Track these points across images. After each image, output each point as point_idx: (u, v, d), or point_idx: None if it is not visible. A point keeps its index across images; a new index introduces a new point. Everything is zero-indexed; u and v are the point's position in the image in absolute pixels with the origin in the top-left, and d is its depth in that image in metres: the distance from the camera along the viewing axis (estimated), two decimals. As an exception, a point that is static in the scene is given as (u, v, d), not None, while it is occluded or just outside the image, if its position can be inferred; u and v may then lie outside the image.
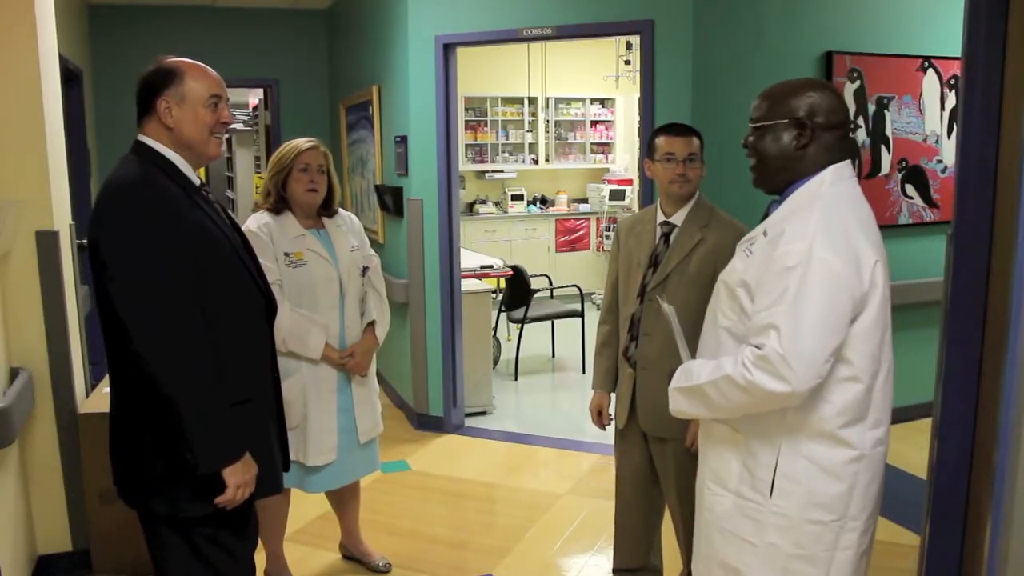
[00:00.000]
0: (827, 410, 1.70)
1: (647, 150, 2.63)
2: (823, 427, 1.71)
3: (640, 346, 2.55)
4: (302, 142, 2.87)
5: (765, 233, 1.79)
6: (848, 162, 1.81)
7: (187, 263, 1.81)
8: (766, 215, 1.86)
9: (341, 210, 3.04)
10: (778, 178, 1.83)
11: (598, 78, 8.62)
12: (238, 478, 1.86)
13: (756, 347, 1.67)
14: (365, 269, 3.00)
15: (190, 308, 1.80)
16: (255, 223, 2.83)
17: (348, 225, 3.02)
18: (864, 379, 1.71)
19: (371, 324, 2.99)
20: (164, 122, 1.89)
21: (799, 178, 1.79)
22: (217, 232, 1.93)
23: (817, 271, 1.63)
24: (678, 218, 2.53)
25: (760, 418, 1.76)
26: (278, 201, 2.86)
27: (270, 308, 2.09)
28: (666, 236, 2.54)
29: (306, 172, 2.83)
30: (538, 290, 6.25)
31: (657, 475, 2.65)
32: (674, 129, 2.55)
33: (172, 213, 1.82)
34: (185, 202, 1.87)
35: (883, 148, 4.47)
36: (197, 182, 1.96)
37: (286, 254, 2.81)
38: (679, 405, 1.87)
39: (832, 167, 1.77)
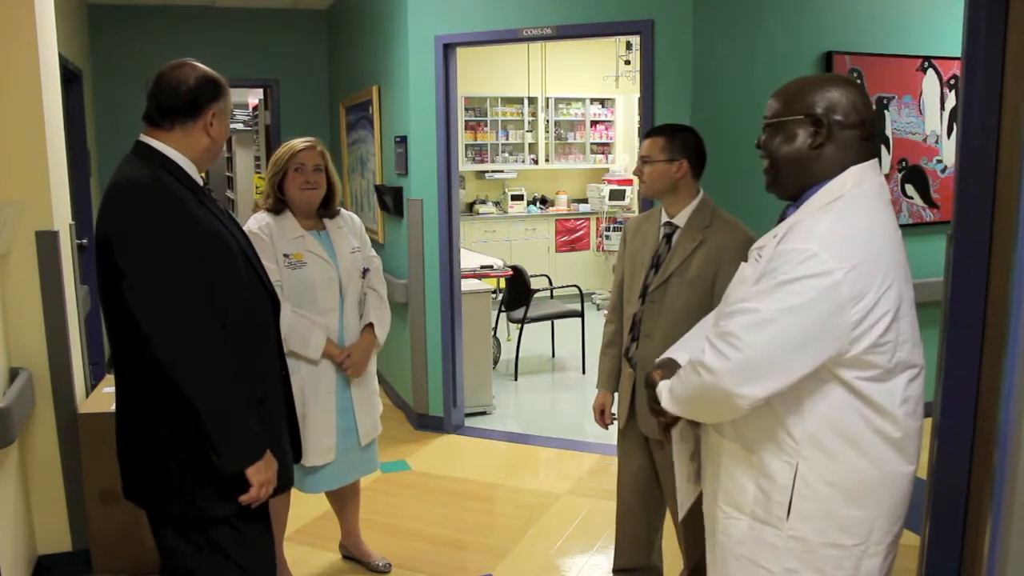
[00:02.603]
0: (837, 422, 1.58)
1: None
2: (845, 442, 1.58)
3: (640, 347, 2.54)
4: (298, 142, 2.87)
5: (775, 236, 1.66)
6: (875, 161, 1.65)
7: (203, 265, 1.82)
8: (782, 218, 1.73)
9: (343, 210, 3.03)
10: (792, 182, 1.68)
11: (598, 78, 8.61)
12: (261, 476, 1.88)
13: (718, 326, 1.58)
14: (366, 271, 3.00)
15: (208, 311, 1.81)
16: (256, 224, 2.83)
17: (349, 226, 3.02)
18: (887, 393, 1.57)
19: (369, 325, 2.99)
20: (207, 131, 1.92)
21: (815, 182, 1.64)
22: (224, 231, 1.94)
23: (811, 275, 1.49)
24: (680, 219, 2.53)
25: (774, 435, 1.63)
26: (277, 202, 2.86)
27: (275, 307, 2.10)
28: (668, 237, 2.54)
29: (300, 172, 2.83)
30: (538, 290, 6.25)
31: (659, 475, 2.65)
32: (647, 132, 2.60)
33: (186, 215, 1.83)
34: (194, 203, 1.88)
35: (883, 148, 4.48)
36: (201, 183, 1.97)
37: (285, 255, 2.80)
38: (665, 402, 1.77)
39: (855, 167, 1.62)
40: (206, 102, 1.90)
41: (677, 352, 1.88)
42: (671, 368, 1.81)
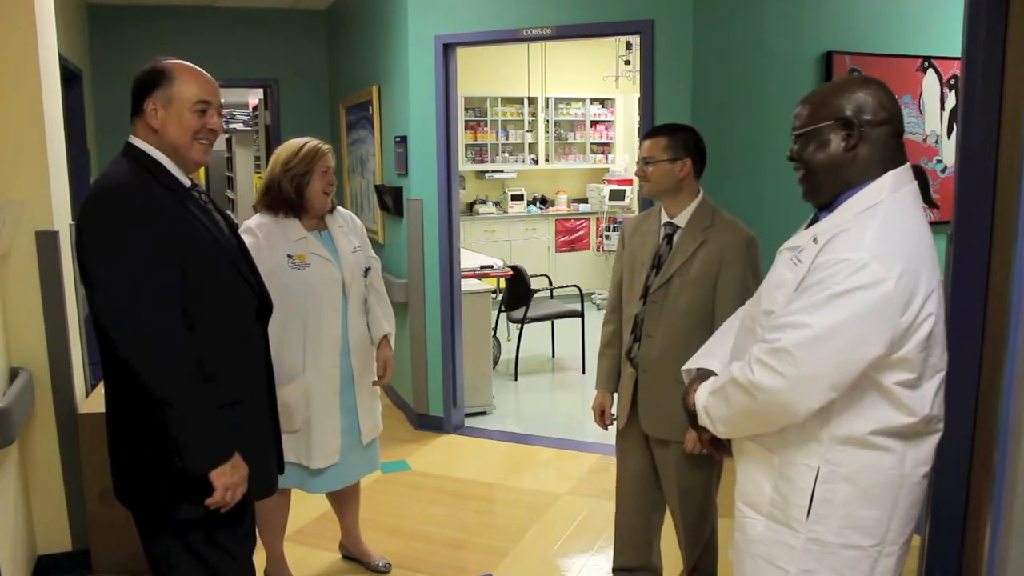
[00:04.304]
0: (865, 426, 1.60)
1: None
2: (870, 445, 1.59)
3: (642, 347, 2.54)
4: (320, 143, 2.85)
5: (815, 240, 1.63)
6: (907, 166, 1.65)
7: (169, 266, 1.80)
8: (814, 220, 1.72)
9: (340, 208, 3.03)
10: (830, 188, 1.67)
11: (598, 78, 8.62)
12: (226, 480, 1.85)
13: (767, 341, 1.56)
14: (367, 270, 3.00)
15: (170, 311, 1.79)
16: (256, 224, 2.82)
17: (349, 225, 3.01)
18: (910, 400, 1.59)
19: (385, 337, 3.01)
20: (150, 123, 1.89)
21: (852, 186, 1.64)
22: (204, 233, 1.91)
23: (865, 286, 1.49)
24: (681, 219, 2.53)
25: (799, 438, 1.64)
26: (286, 203, 2.82)
27: (265, 308, 2.08)
28: (669, 237, 2.54)
29: (327, 175, 2.84)
30: (538, 290, 6.25)
31: (658, 475, 2.64)
32: (648, 132, 2.59)
33: (156, 216, 1.81)
34: (171, 204, 1.86)
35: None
36: (187, 183, 1.95)
37: (288, 256, 2.80)
38: (712, 429, 1.75)
39: (891, 173, 1.62)
40: (146, 92, 1.89)
41: (705, 360, 1.87)
42: (705, 379, 1.80)
